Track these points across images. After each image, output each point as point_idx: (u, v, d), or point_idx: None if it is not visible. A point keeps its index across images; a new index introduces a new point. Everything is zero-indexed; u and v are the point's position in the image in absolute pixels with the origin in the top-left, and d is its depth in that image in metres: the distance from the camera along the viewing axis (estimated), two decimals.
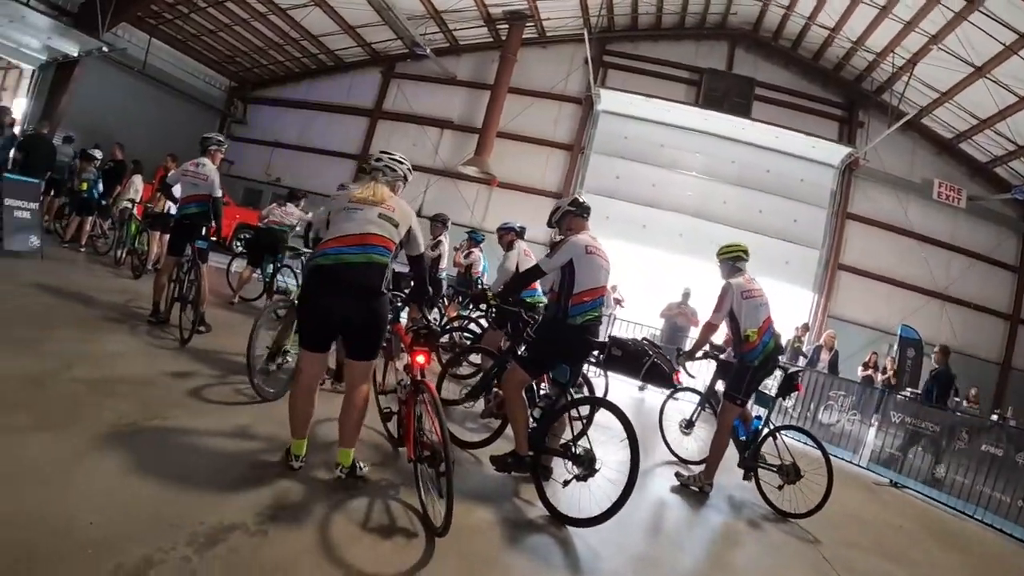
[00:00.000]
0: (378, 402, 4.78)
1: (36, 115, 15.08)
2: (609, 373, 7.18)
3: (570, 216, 4.54)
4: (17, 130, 10.86)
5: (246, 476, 3.58)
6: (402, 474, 4.09)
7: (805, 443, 5.79)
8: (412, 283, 4.36)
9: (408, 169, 4.10)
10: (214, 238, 6.93)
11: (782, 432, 5.71)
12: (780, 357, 5.87)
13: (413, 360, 3.74)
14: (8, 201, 8.40)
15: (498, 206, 18.14)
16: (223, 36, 19.04)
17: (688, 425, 6.71)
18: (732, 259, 5.65)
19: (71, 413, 3.81)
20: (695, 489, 5.55)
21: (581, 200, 4.63)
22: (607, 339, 4.68)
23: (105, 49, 15.24)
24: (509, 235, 7.53)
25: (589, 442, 4.13)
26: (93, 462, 3.29)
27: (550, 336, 4.39)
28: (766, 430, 5.71)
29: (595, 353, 4.59)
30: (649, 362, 4.47)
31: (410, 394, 3.82)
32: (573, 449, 4.13)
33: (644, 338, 6.17)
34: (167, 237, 10.42)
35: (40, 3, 14.31)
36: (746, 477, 5.76)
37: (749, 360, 5.43)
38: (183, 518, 2.94)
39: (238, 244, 15.86)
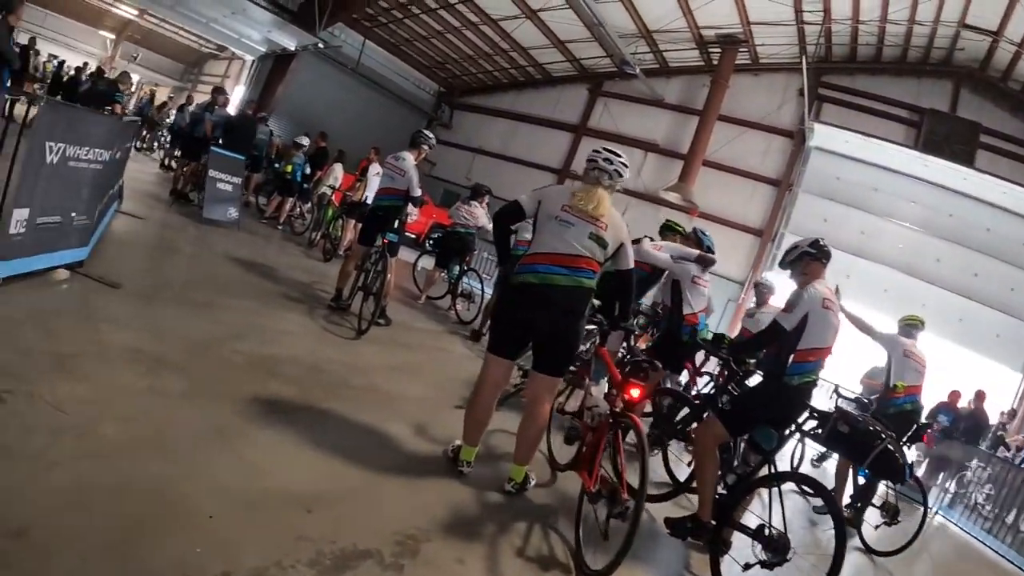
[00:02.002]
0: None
1: (253, 102, 16.82)
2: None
3: (808, 260, 4.05)
4: (232, 111, 11.93)
5: (405, 482, 3.41)
6: (562, 501, 3.96)
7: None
8: (620, 300, 4.03)
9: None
10: (408, 233, 6.91)
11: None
12: (915, 422, 6.33)
13: (626, 392, 3.63)
14: (212, 173, 9.18)
15: None
16: (435, 42, 20.25)
17: (891, 514, 6.00)
18: (908, 327, 6.50)
19: (225, 386, 3.70)
20: None
21: (822, 243, 4.08)
22: (833, 410, 4.30)
23: (320, 45, 16.92)
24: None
25: (784, 524, 3.64)
26: (233, 444, 3.08)
27: (763, 394, 4.07)
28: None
29: (814, 424, 4.29)
30: (880, 448, 4.08)
31: (604, 424, 3.63)
32: (767, 531, 3.69)
33: (873, 414, 5.83)
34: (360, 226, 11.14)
35: (263, 0, 16.12)
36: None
37: (883, 406, 6.14)
38: (316, 530, 2.59)
39: (430, 243, 16.39)
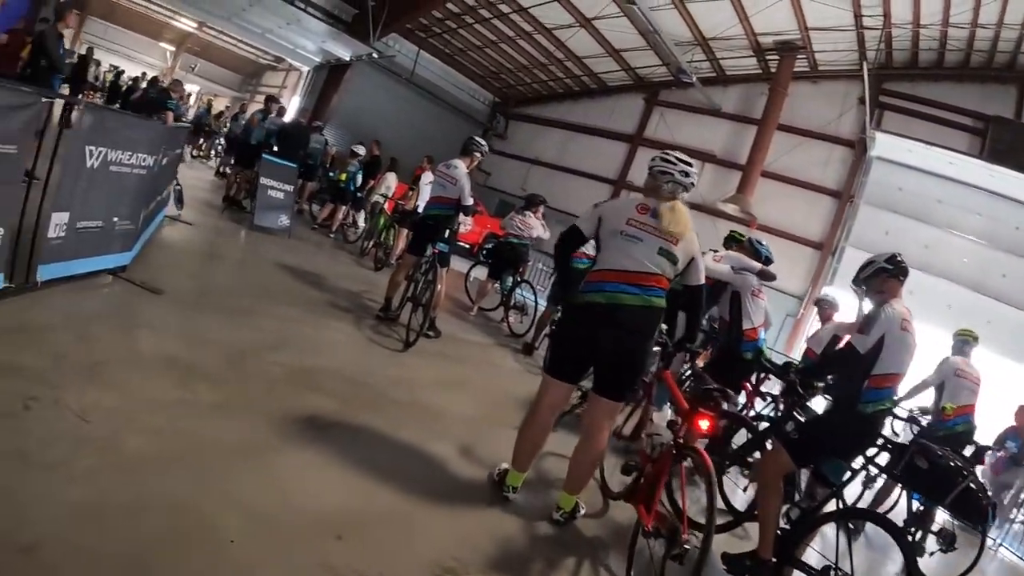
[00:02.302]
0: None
1: (308, 111, 17.21)
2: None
3: (884, 277, 3.82)
4: (287, 119, 12.08)
5: (445, 507, 3.21)
6: (614, 534, 3.73)
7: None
8: (688, 318, 3.83)
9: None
10: (461, 243, 6.78)
11: None
12: (970, 443, 6.12)
13: (694, 423, 3.35)
14: (263, 180, 9.19)
15: None
16: (489, 52, 20.28)
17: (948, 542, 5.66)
18: (963, 341, 6.44)
19: (260, 398, 3.57)
20: None
21: (899, 259, 3.82)
22: (909, 443, 4.10)
23: (375, 55, 17.10)
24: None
25: (852, 565, 3.41)
26: (262, 461, 2.94)
27: (833, 422, 3.85)
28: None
29: (886, 456, 4.11)
30: (963, 487, 3.82)
31: (666, 455, 3.39)
32: (833, 573, 3.48)
33: (921, 435, 5.63)
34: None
35: (316, 11, 16.53)
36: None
37: (932, 429, 6.00)
38: (344, 558, 2.41)
39: (483, 253, 16.26)
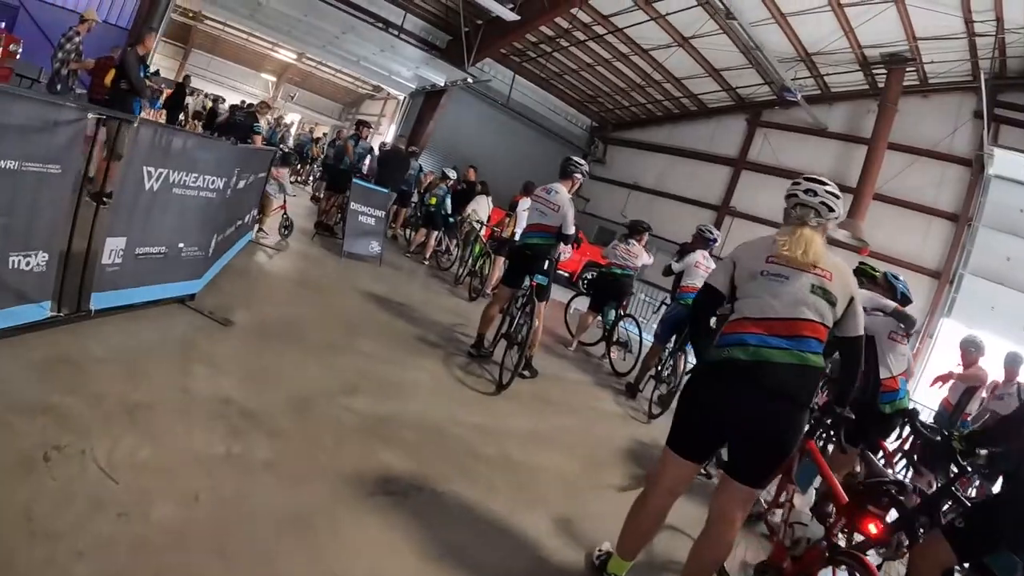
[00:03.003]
0: None
1: (404, 137, 17.37)
2: None
3: None
4: (376, 144, 12.06)
5: None
6: None
7: None
8: (841, 378, 3.23)
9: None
10: (560, 271, 6.30)
11: None
12: None
13: (862, 526, 2.84)
14: (354, 206, 8.98)
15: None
16: (585, 75, 20.18)
17: None
18: None
19: (322, 455, 3.11)
20: None
21: None
22: None
23: (470, 80, 17.16)
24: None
25: None
26: (315, 538, 2.44)
27: (1012, 506, 3.02)
28: None
29: None
30: None
31: (815, 556, 2.86)
32: None
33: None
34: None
35: (409, 36, 16.91)
36: None
37: None
38: None
39: (584, 283, 16.04)
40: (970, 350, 7.04)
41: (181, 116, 15.47)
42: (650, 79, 19.39)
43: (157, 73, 12.50)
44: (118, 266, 3.68)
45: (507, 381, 5.38)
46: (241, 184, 5.55)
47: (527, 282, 6.00)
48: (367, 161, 12.19)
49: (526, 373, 6.01)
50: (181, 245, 4.26)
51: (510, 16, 14.50)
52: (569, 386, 6.83)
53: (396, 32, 16.40)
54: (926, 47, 15.14)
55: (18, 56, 10.09)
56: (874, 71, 16.75)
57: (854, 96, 17.92)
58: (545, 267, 6.00)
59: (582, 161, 6.35)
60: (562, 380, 6.82)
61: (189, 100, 18.61)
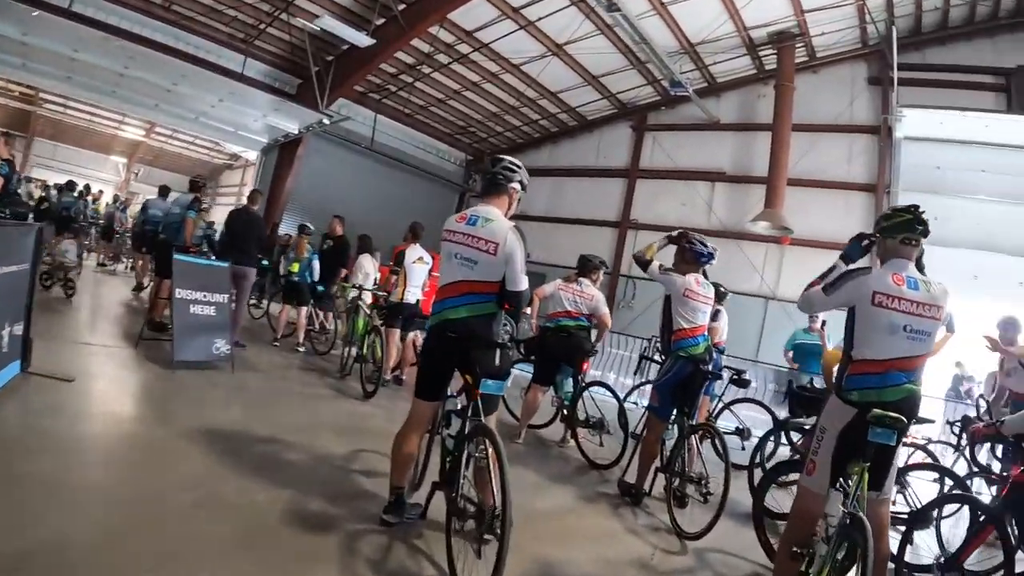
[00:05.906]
0: None
1: (260, 193, 14.88)
2: None
3: None
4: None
5: None
6: None
7: None
8: None
9: None
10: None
11: None
12: None
13: None
14: (180, 293, 6.36)
15: (792, 267, 16.50)
16: (453, 104, 19.02)
17: None
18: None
19: None
20: None
21: None
22: None
23: (326, 121, 15.46)
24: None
25: None
26: None
27: None
28: None
29: None
30: None
31: None
32: None
33: None
34: (409, 336, 8.21)
35: (251, 82, 15.05)
36: None
37: None
38: None
39: (520, 345, 13.11)
40: (1010, 330, 6.75)
41: None
42: (524, 98, 18.45)
43: None
44: None
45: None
46: None
47: (458, 401, 3.70)
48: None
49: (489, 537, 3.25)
50: None
51: (364, 41, 12.93)
52: (557, 520, 4.48)
53: (236, 76, 14.48)
54: (813, 19, 15.08)
55: None
56: (761, 53, 16.63)
57: (743, 83, 17.87)
58: (494, 361, 3.50)
59: (517, 164, 3.99)
60: (536, 517, 4.37)
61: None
